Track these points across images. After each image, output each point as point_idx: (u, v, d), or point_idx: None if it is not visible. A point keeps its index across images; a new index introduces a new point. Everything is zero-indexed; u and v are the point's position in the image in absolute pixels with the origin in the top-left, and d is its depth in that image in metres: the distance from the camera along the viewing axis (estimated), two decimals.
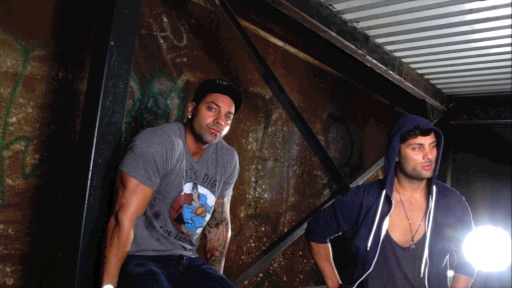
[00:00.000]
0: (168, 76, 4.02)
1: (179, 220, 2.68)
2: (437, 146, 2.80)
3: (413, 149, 2.75)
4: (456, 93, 6.47)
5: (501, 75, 5.42)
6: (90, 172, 2.54)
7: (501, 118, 6.28)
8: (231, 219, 3.14)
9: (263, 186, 5.11)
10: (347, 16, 4.27)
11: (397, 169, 2.89)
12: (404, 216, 2.87)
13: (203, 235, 3.01)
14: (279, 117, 5.27)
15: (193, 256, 2.81)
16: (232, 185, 3.04)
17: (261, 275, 5.11)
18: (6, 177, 3.07)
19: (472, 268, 2.97)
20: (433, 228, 2.81)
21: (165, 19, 3.98)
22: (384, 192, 2.87)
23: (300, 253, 5.67)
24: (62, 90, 3.30)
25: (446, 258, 2.90)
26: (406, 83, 5.41)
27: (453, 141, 6.86)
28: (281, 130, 5.32)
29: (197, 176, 2.75)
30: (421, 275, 2.78)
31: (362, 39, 4.58)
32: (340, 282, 3.08)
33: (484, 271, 3.17)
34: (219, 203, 2.98)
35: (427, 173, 2.77)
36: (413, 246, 2.82)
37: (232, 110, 2.72)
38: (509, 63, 4.93)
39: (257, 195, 5.03)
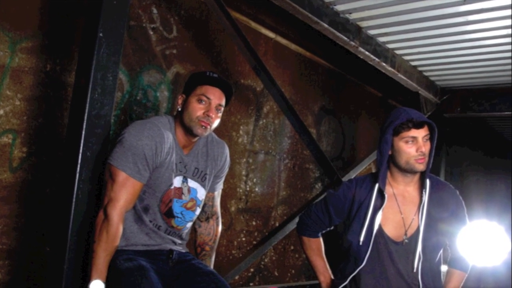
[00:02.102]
0: (157, 68, 3.98)
1: (169, 214, 2.65)
2: (431, 139, 2.78)
3: (406, 142, 2.72)
4: (450, 85, 6.45)
5: (496, 67, 5.40)
6: (78, 166, 2.51)
7: (495, 111, 6.26)
8: (221, 213, 3.11)
9: (254, 180, 5.08)
10: (339, 7, 4.23)
11: (390, 162, 2.86)
12: (397, 210, 2.85)
13: (193, 229, 2.98)
14: (270, 109, 5.24)
15: (183, 251, 2.78)
16: (223, 179, 3.01)
17: (252, 270, 5.09)
18: None
19: (466, 263, 2.95)
20: (427, 222, 2.79)
21: (155, 10, 3.94)
22: (376, 185, 2.85)
23: (292, 247, 5.66)
24: (50, 83, 3.26)
25: (439, 253, 2.88)
26: (399, 75, 5.38)
27: (446, 134, 6.84)
28: (272, 123, 5.29)
29: (187, 169, 2.72)
30: (415, 270, 2.76)
31: (355, 30, 4.55)
32: (332, 277, 3.06)
33: (478, 266, 3.16)
34: (210, 197, 2.95)
35: (420, 167, 2.74)
36: (406, 240, 2.80)
37: (223, 102, 2.69)
38: (503, 54, 4.91)
39: (248, 189, 5.00)
